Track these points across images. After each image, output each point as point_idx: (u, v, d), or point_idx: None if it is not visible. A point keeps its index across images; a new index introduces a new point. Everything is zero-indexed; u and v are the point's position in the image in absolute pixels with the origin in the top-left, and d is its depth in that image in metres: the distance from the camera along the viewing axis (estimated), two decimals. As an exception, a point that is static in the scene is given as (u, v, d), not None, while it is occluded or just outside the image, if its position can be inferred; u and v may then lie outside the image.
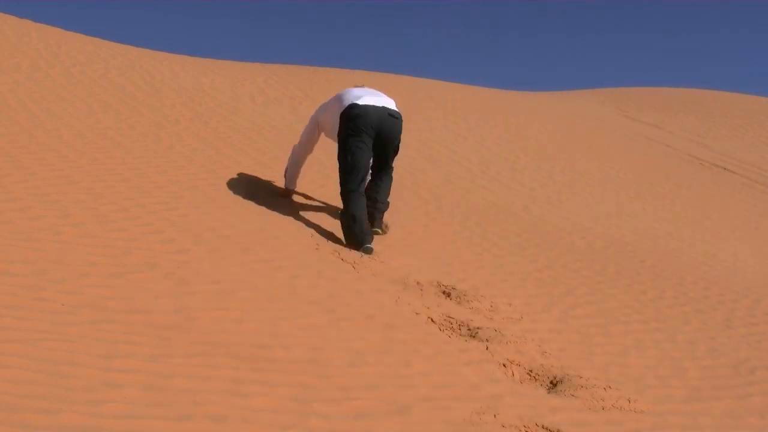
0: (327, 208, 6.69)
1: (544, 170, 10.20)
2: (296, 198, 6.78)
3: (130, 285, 4.41)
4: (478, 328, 4.93)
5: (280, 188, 6.76)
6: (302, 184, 6.99)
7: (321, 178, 7.41)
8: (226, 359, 3.84)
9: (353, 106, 5.99)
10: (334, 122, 6.13)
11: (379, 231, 6.15)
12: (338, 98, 6.22)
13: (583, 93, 21.18)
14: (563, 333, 5.27)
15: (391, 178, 6.28)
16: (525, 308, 5.53)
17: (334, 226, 6.26)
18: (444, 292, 5.46)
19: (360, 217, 5.84)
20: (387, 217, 6.42)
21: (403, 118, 6.19)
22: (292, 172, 6.60)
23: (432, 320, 4.95)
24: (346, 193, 5.95)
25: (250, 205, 6.30)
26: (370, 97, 6.11)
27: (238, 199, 6.38)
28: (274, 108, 10.13)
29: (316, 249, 5.72)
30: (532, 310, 5.54)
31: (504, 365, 4.52)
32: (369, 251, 5.77)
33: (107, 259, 4.69)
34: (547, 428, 3.89)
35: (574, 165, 10.86)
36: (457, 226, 7.20)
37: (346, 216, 5.90)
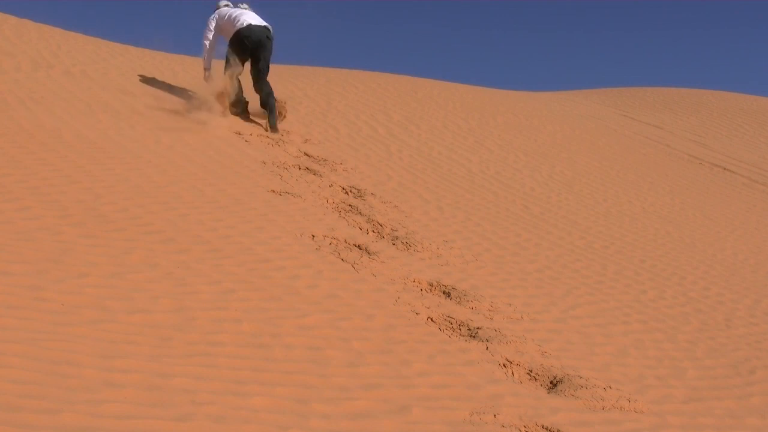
0: (326, 210, 6.70)
1: (544, 170, 10.20)
2: (294, 197, 6.78)
3: (130, 285, 4.41)
4: (478, 328, 4.93)
5: (203, 77, 9.17)
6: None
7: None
8: (226, 359, 3.84)
9: (246, 28, 8.71)
10: (229, 32, 8.86)
11: (276, 125, 8.76)
12: (233, 19, 8.87)
13: (583, 93, 21.17)
14: (563, 333, 5.27)
15: (270, 88, 8.90)
16: (525, 308, 5.53)
17: (334, 225, 6.27)
18: (444, 292, 5.46)
19: (234, 78, 8.86)
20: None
21: (273, 39, 8.94)
22: (208, 59, 9.10)
23: (432, 320, 4.96)
24: (227, 67, 8.85)
25: (250, 205, 6.30)
26: (256, 20, 8.84)
27: (238, 199, 6.38)
28: (274, 108, 10.12)
29: (317, 249, 5.72)
30: (532, 310, 5.54)
31: (504, 365, 4.52)
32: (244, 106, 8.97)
33: (107, 259, 4.69)
34: (547, 428, 3.90)
35: (574, 165, 10.87)
36: (457, 226, 7.20)
37: (229, 72, 8.83)
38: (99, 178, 6.08)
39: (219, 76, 8.95)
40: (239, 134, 8.43)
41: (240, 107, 9.02)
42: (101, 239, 4.97)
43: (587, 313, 5.74)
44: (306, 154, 8.31)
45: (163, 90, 9.52)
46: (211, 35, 9.09)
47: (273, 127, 8.71)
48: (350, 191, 7.33)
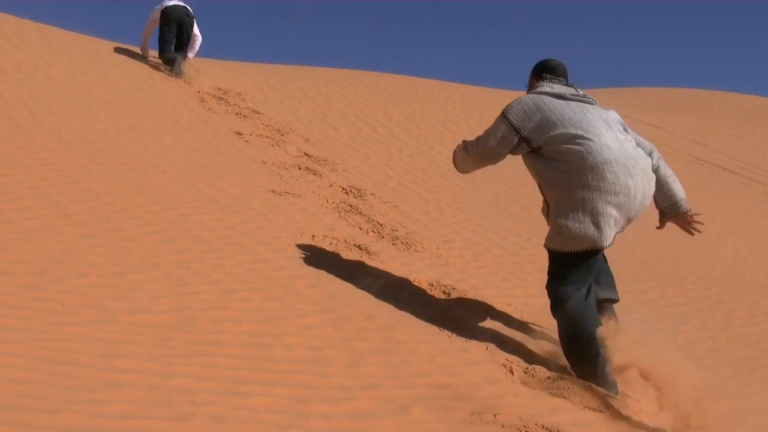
0: (326, 210, 6.70)
1: (544, 170, 10.19)
2: (294, 197, 6.78)
3: (130, 285, 4.41)
4: (478, 328, 4.93)
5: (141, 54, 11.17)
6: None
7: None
8: (226, 359, 3.84)
9: (168, 8, 10.77)
10: (158, 18, 10.79)
11: (182, 72, 10.51)
12: (161, 6, 10.81)
13: (583, 93, 21.15)
14: (563, 333, 5.26)
15: (185, 55, 10.87)
16: (525, 308, 5.53)
17: (334, 225, 6.27)
18: (444, 292, 5.46)
19: (173, 56, 10.69)
20: None
21: (194, 17, 10.95)
22: (144, 47, 11.25)
23: (432, 320, 4.95)
24: (165, 50, 10.79)
25: (250, 205, 6.30)
26: (177, 2, 10.86)
27: (238, 199, 6.39)
28: (273, 107, 10.14)
29: (317, 249, 5.72)
30: (532, 310, 5.54)
31: (504, 365, 4.52)
32: (179, 62, 10.55)
33: (107, 259, 4.69)
34: (547, 428, 3.89)
35: (574, 165, 10.85)
36: (457, 226, 7.20)
37: (166, 55, 10.73)
38: (99, 178, 6.08)
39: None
40: (239, 134, 8.43)
41: (172, 60, 10.65)
42: (101, 239, 4.97)
43: (587, 313, 5.72)
44: (306, 154, 8.31)
45: (163, 90, 9.52)
46: (148, 27, 11.10)
47: (177, 73, 10.43)
48: (350, 191, 7.33)
